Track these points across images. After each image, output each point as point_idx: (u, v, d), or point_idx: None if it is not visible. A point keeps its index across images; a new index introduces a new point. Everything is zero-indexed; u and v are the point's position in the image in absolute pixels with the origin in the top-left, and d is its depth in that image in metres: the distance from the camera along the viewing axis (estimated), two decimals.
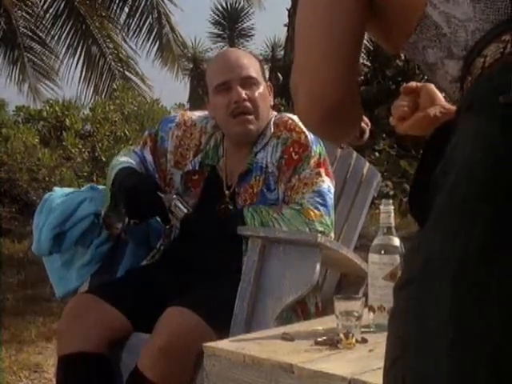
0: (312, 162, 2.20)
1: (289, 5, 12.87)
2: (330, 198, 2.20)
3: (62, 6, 9.35)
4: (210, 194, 2.28)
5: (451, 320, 0.77)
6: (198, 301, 2.03)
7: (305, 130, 2.23)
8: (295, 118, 2.25)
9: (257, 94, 2.24)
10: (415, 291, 0.83)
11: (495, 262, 0.75)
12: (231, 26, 17.17)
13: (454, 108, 0.91)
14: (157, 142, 2.35)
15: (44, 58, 9.80)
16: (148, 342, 2.01)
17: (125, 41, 9.91)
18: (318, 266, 1.96)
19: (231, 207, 2.24)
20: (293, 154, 2.21)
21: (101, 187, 2.47)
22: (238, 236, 2.10)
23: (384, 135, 9.21)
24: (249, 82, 2.24)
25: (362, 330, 1.62)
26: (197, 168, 2.31)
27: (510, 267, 0.74)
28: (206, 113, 2.36)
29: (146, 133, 2.44)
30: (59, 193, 2.44)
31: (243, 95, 2.20)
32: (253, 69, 2.27)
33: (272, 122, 2.28)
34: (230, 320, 1.99)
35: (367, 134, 1.30)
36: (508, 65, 0.81)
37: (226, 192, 2.26)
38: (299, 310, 2.16)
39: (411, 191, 0.88)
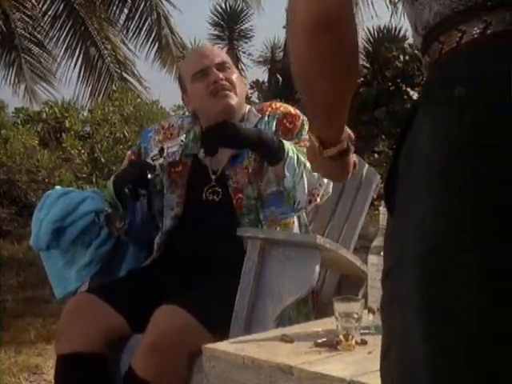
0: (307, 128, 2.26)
1: None
2: None
3: (61, 7, 9.34)
4: (196, 182, 2.31)
5: (422, 312, 0.78)
6: (190, 299, 2.04)
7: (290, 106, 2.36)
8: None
9: (233, 76, 2.32)
10: (393, 282, 0.84)
11: (458, 249, 0.76)
12: (231, 27, 17.17)
13: None
14: (141, 154, 2.41)
15: (42, 59, 9.79)
16: (141, 341, 2.02)
17: (123, 42, 9.90)
18: (317, 268, 1.95)
19: (219, 189, 2.27)
20: (287, 124, 2.28)
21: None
22: (232, 223, 2.15)
23: (383, 136, 9.22)
24: (224, 67, 2.33)
25: (362, 331, 1.62)
26: (177, 159, 2.34)
27: (470, 253, 0.75)
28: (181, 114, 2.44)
29: (129, 151, 2.51)
30: (61, 190, 2.45)
31: (221, 76, 2.29)
32: (226, 57, 2.40)
33: (255, 110, 2.35)
34: (226, 318, 1.99)
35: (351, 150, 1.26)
36: (463, 55, 0.82)
37: (213, 177, 2.30)
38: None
39: (385, 179, 0.90)
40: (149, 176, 2.23)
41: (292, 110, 2.34)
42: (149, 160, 2.28)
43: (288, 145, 2.13)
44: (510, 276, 0.74)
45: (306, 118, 2.29)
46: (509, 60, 0.77)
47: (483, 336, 0.74)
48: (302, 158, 2.11)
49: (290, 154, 2.11)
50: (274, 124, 2.27)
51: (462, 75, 0.80)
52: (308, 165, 2.10)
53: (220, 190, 2.27)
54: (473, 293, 0.75)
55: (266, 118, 2.30)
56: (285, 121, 2.28)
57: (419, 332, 0.78)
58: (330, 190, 2.24)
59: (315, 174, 2.12)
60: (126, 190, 2.23)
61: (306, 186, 2.14)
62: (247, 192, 2.23)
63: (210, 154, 2.20)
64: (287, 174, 2.11)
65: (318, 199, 2.20)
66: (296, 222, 2.31)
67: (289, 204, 2.16)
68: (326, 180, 2.17)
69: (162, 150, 2.27)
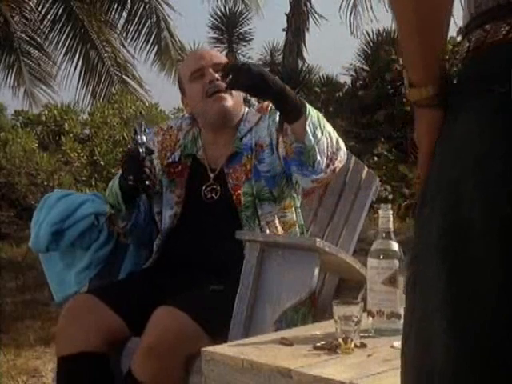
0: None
1: (287, 10, 12.89)
2: None
3: (61, 10, 9.34)
4: (195, 181, 2.33)
5: (446, 303, 0.79)
6: (188, 300, 2.04)
7: None
8: None
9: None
10: (417, 269, 0.85)
11: (485, 242, 0.76)
12: (230, 30, 17.19)
13: None
14: None
15: (41, 62, 9.80)
16: (139, 343, 2.01)
17: (123, 45, 9.91)
18: (316, 271, 1.95)
19: (217, 187, 2.28)
20: None
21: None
22: (231, 220, 2.17)
23: (382, 139, 9.21)
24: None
25: (361, 334, 1.62)
26: (176, 159, 2.37)
27: (495, 250, 0.75)
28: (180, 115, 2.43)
29: None
30: (60, 193, 2.46)
31: (216, 76, 2.29)
32: (224, 58, 2.40)
33: (254, 110, 2.37)
34: (225, 320, 1.99)
35: None
36: (507, 50, 0.81)
37: (211, 175, 2.31)
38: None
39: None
40: (141, 151, 2.20)
41: None
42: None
43: (310, 110, 2.10)
44: None
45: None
46: None
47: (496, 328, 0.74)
48: (322, 119, 2.10)
49: (312, 112, 2.08)
50: (278, 115, 2.24)
51: (504, 72, 0.79)
52: (327, 126, 2.11)
53: (218, 187, 2.29)
54: (500, 281, 0.75)
55: (269, 113, 2.31)
56: None
57: (443, 322, 0.78)
58: (345, 158, 2.21)
59: (333, 137, 2.12)
60: (130, 183, 2.20)
61: (325, 146, 2.10)
62: (244, 189, 2.25)
63: (230, 86, 2.10)
64: (308, 130, 2.06)
65: (336, 163, 2.15)
66: (297, 222, 2.31)
67: (308, 162, 2.10)
68: (342, 145, 2.16)
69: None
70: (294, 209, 2.32)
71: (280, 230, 2.26)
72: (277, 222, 2.26)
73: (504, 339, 0.74)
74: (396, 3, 0.93)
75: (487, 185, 0.77)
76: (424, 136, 1.06)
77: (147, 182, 2.20)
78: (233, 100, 2.31)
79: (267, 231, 2.23)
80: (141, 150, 2.21)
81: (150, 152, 2.23)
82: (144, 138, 2.25)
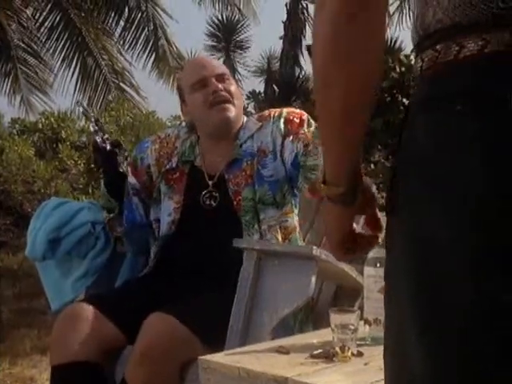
0: (314, 122, 2.28)
1: (284, 17, 12.93)
2: None
3: (58, 18, 9.36)
4: (193, 187, 2.34)
5: (418, 314, 0.79)
6: (182, 307, 2.04)
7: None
8: None
9: (231, 87, 2.35)
10: (390, 284, 0.86)
11: (452, 251, 0.76)
12: (227, 38, 17.22)
13: None
14: (136, 166, 2.42)
15: (38, 70, 9.81)
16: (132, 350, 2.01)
17: (120, 53, 9.92)
18: (313, 279, 1.95)
19: (216, 194, 2.29)
20: (295, 119, 2.29)
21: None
22: (231, 226, 2.19)
23: (379, 147, 9.23)
24: (223, 78, 2.36)
25: (358, 343, 1.62)
26: (174, 166, 2.38)
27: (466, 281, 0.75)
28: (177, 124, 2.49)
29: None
30: (57, 201, 2.46)
31: (220, 86, 2.32)
32: (225, 68, 2.45)
33: (254, 119, 2.39)
34: (220, 326, 1.98)
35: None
36: (459, 70, 0.81)
37: (210, 182, 2.31)
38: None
39: (388, 180, 0.91)
40: (98, 140, 2.28)
41: (293, 108, 2.38)
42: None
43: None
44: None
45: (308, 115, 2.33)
46: (504, 80, 0.77)
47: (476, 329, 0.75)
48: None
49: None
50: (282, 122, 2.29)
51: (455, 91, 0.80)
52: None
53: (217, 194, 2.29)
54: (469, 300, 0.75)
55: (272, 120, 2.32)
56: (291, 117, 2.29)
57: (416, 332, 0.79)
58: None
59: None
60: (101, 175, 2.31)
61: None
62: (244, 194, 2.26)
63: None
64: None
65: None
66: (297, 228, 2.32)
67: None
68: None
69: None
70: (293, 214, 2.33)
71: (280, 236, 2.26)
72: (277, 227, 2.26)
73: (485, 344, 0.74)
74: (325, 124, 0.97)
75: (448, 199, 0.78)
76: (334, 232, 1.07)
77: (120, 170, 2.30)
78: (236, 111, 2.33)
79: (268, 236, 2.23)
80: (98, 140, 2.25)
81: (116, 144, 2.32)
82: (96, 127, 2.29)
